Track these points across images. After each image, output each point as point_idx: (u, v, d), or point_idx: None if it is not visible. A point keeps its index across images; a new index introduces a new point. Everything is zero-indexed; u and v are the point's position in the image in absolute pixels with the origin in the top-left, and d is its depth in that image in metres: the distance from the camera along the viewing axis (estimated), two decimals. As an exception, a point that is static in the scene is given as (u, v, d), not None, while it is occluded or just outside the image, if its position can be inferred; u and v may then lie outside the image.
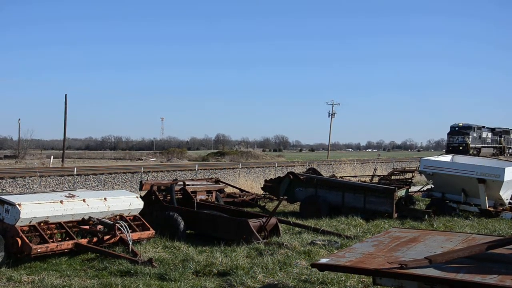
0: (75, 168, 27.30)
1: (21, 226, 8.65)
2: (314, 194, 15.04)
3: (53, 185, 24.03)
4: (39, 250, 8.50)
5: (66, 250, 9.03)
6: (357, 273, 6.36)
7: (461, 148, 58.29)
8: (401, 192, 14.90)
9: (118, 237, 9.53)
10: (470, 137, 60.33)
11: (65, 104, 48.02)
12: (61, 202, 9.32)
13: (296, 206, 16.32)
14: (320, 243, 9.99)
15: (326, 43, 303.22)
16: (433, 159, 16.58)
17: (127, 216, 10.33)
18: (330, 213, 14.28)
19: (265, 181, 17.14)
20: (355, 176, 24.00)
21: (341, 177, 21.02)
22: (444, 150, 76.76)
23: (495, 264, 5.45)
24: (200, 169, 30.80)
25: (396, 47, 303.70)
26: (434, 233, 7.59)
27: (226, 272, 8.05)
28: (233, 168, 32.84)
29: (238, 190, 17.30)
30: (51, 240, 8.88)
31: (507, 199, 14.88)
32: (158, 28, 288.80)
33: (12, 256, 8.63)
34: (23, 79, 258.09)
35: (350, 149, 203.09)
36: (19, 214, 8.57)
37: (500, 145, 68.19)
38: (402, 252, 6.04)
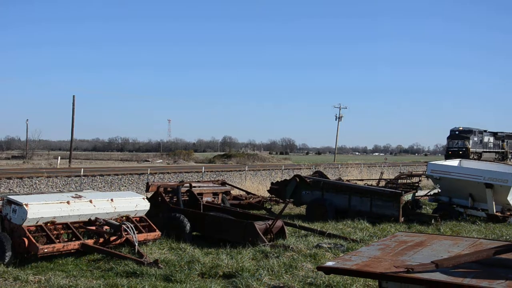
0: (82, 169, 27.42)
1: (28, 226, 8.69)
2: (321, 197, 15.01)
3: (60, 186, 24.13)
4: (45, 250, 8.53)
5: (72, 251, 9.07)
6: (363, 277, 6.33)
7: (460, 152, 56.71)
8: (407, 196, 14.84)
9: (124, 238, 9.56)
10: (471, 141, 59.00)
11: (73, 105, 48.31)
12: (68, 202, 9.35)
13: (302, 209, 16.30)
14: (326, 246, 9.97)
15: (334, 46, 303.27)
16: (440, 163, 16.50)
17: (133, 217, 10.36)
18: (336, 216, 14.25)
19: (272, 183, 17.13)
20: (362, 180, 23.91)
21: (347, 180, 20.95)
22: (442, 155, 75.72)
23: (503, 269, 5.42)
24: (207, 171, 30.83)
25: (403, 51, 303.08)
26: (441, 237, 7.56)
27: (232, 274, 8.05)
28: (239, 171, 32.87)
29: (244, 193, 17.31)
30: (58, 241, 8.91)
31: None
32: (166, 30, 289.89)
33: (19, 256, 8.69)
34: (32, 80, 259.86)
35: (357, 153, 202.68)
36: (26, 214, 8.61)
37: (502, 150, 66.51)
38: (408, 256, 6.02)
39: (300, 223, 12.76)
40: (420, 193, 17.41)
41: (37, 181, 23.96)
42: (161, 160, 70.70)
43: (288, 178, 17.25)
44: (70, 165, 45.62)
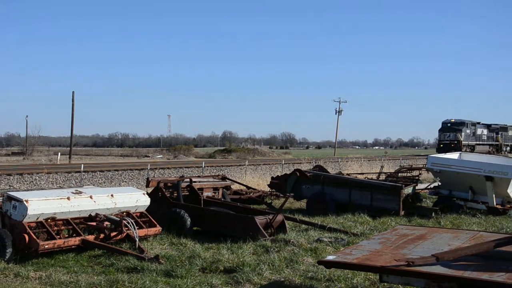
0: (82, 165, 27.40)
1: (28, 222, 8.70)
2: (321, 191, 15.01)
3: (60, 182, 24.13)
4: (46, 246, 8.54)
5: (73, 247, 9.08)
6: (364, 271, 6.35)
7: (452, 145, 55.18)
8: (408, 190, 14.84)
9: (125, 234, 9.56)
10: (463, 133, 57.33)
11: (73, 101, 48.23)
12: (68, 198, 9.35)
13: (302, 203, 16.31)
14: (326, 240, 9.97)
15: (334, 40, 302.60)
16: (441, 156, 16.49)
17: (133, 213, 10.36)
18: (337, 210, 14.26)
19: (272, 178, 17.14)
20: (362, 174, 23.89)
21: (348, 174, 20.95)
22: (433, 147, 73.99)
23: (503, 261, 5.42)
24: (207, 166, 30.81)
25: (403, 44, 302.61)
26: (441, 230, 7.57)
27: (233, 269, 8.06)
28: (239, 165, 32.84)
29: (245, 187, 17.30)
30: (58, 237, 8.92)
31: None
32: (165, 25, 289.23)
33: (20, 252, 8.69)
34: (31, 76, 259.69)
35: (357, 147, 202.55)
36: (27, 210, 8.61)
37: (497, 143, 64.63)
38: (409, 250, 6.02)
39: (301, 217, 12.77)
40: (420, 186, 17.42)
41: (37, 177, 23.94)
42: (161, 156, 70.70)
43: (288, 172, 17.24)
44: (70, 161, 45.59)
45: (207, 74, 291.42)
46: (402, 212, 13.87)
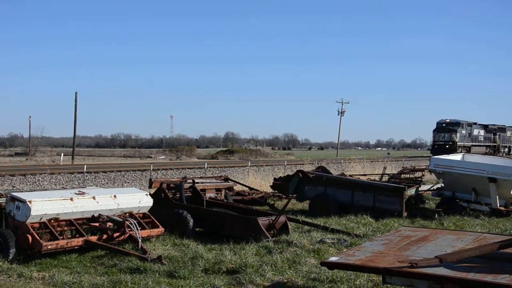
0: (85, 166, 27.41)
1: (31, 223, 8.71)
2: (324, 192, 15.00)
3: (63, 183, 24.16)
4: (49, 247, 8.55)
5: (76, 247, 9.09)
6: (367, 272, 6.34)
7: (447, 146, 53.59)
8: (411, 191, 14.82)
9: (127, 235, 9.56)
10: (458, 134, 55.61)
11: (75, 101, 48.31)
12: (71, 199, 9.36)
13: (305, 205, 16.29)
14: (329, 241, 9.96)
15: (336, 40, 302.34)
16: (444, 157, 16.47)
17: (136, 214, 10.36)
18: (340, 211, 14.24)
19: (274, 179, 17.13)
20: (365, 175, 23.89)
21: (350, 175, 20.93)
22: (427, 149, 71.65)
23: (507, 263, 5.41)
24: (209, 167, 30.82)
25: (406, 45, 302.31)
26: (445, 232, 7.55)
27: (235, 270, 8.05)
28: (242, 166, 32.83)
29: (247, 188, 17.31)
30: (61, 237, 8.94)
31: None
32: (168, 26, 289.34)
33: (23, 253, 8.70)
34: (34, 77, 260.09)
35: (360, 148, 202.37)
36: (30, 211, 8.63)
37: (494, 144, 62.71)
38: (412, 251, 6.01)
39: (303, 218, 12.76)
40: (423, 187, 17.38)
41: (40, 178, 23.97)
42: (163, 156, 70.74)
43: (291, 173, 17.24)
44: (73, 161, 45.63)
45: (209, 75, 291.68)
46: (405, 214, 13.86)
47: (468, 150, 54.61)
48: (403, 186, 14.56)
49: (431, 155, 56.25)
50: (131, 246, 9.49)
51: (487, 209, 14.61)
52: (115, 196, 10.14)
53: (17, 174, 23.81)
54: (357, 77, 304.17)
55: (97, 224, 9.59)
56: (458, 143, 54.94)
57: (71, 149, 53.64)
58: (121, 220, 9.64)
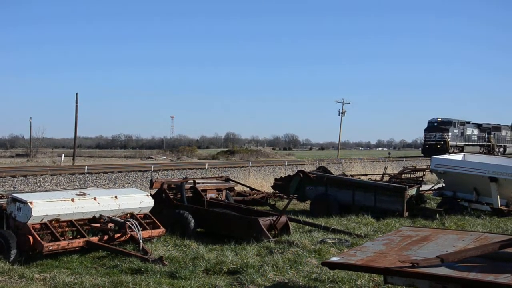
0: (86, 167, 27.42)
1: (33, 224, 8.71)
2: (324, 192, 14.99)
3: (64, 184, 24.16)
4: (50, 248, 8.56)
5: (77, 248, 9.09)
6: (368, 272, 6.34)
7: (438, 146, 52.22)
8: (412, 191, 14.81)
9: (128, 235, 9.57)
10: (450, 133, 54.05)
11: (76, 103, 48.28)
12: (72, 200, 9.37)
13: (306, 205, 16.29)
14: (330, 241, 9.96)
15: (337, 41, 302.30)
16: (444, 157, 16.46)
17: (137, 214, 10.37)
18: (341, 211, 14.24)
19: (275, 179, 17.12)
20: (366, 175, 23.88)
21: (351, 175, 20.93)
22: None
23: (508, 263, 5.41)
24: (210, 168, 30.81)
25: (406, 46, 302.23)
26: (446, 232, 7.55)
27: (237, 270, 8.06)
28: (243, 167, 32.82)
29: (248, 189, 17.30)
30: (63, 238, 8.94)
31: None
32: (168, 26, 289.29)
33: (24, 254, 8.71)
34: (35, 78, 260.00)
35: (360, 148, 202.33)
36: (31, 212, 8.63)
37: (488, 143, 60.89)
38: (413, 251, 6.01)
39: (304, 218, 12.76)
40: (424, 187, 17.38)
41: (41, 179, 23.98)
42: (164, 157, 70.78)
43: (291, 173, 17.23)
44: (74, 162, 45.64)
45: (210, 76, 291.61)
46: (406, 214, 13.85)
47: (460, 149, 53.06)
48: (404, 186, 14.55)
49: (422, 155, 55.60)
50: (132, 246, 9.50)
51: (488, 208, 14.60)
52: (116, 197, 10.14)
53: (18, 175, 23.82)
54: (358, 77, 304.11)
55: (98, 225, 9.59)
56: (450, 143, 53.65)
57: (72, 150, 53.64)
58: (122, 220, 9.65)
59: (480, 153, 53.14)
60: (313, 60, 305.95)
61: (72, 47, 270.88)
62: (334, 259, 5.97)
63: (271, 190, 17.75)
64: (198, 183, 13.01)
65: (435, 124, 55.85)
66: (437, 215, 13.75)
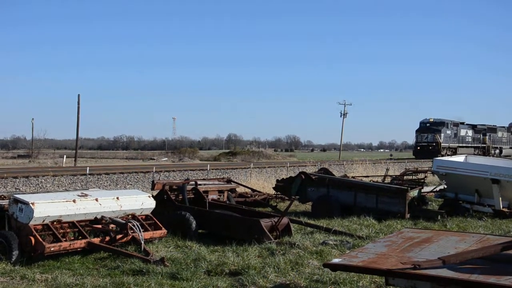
0: (88, 168, 27.46)
1: (34, 225, 8.71)
2: (326, 194, 14.98)
3: (66, 185, 24.19)
4: (52, 249, 8.56)
5: (79, 249, 9.09)
6: (370, 273, 6.33)
7: (430, 148, 51.31)
8: (413, 193, 14.79)
9: (130, 236, 9.57)
10: (442, 134, 52.65)
11: (78, 104, 48.28)
12: (74, 201, 9.37)
13: (307, 206, 16.28)
14: (332, 243, 9.95)
15: (339, 42, 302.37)
16: (446, 159, 16.45)
17: (139, 216, 10.37)
18: (342, 213, 14.22)
19: (277, 181, 17.12)
20: (367, 176, 23.89)
21: (353, 177, 20.94)
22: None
23: (510, 265, 5.39)
24: (212, 169, 30.82)
25: (407, 47, 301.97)
26: (448, 233, 7.54)
27: (238, 271, 8.05)
28: (244, 168, 32.82)
29: (250, 190, 17.30)
30: (64, 239, 8.94)
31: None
32: (170, 27, 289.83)
33: (26, 255, 8.71)
34: (37, 79, 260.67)
35: (362, 149, 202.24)
36: (33, 213, 8.63)
37: (483, 145, 59.34)
38: (415, 253, 6.00)
39: (306, 220, 12.75)
40: (426, 189, 17.37)
41: (43, 180, 24.00)
42: (166, 158, 70.79)
43: (293, 175, 17.22)
44: (75, 163, 45.68)
45: (212, 77, 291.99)
46: (407, 215, 13.83)
47: (453, 151, 52.04)
48: (406, 187, 14.54)
49: (413, 157, 54.54)
50: (133, 248, 9.50)
51: (490, 210, 14.58)
52: (117, 198, 10.15)
53: (20, 176, 23.86)
54: (360, 79, 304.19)
55: (99, 226, 9.60)
56: (442, 144, 52.28)
57: (74, 151, 53.66)
58: (124, 222, 9.64)
59: (475, 155, 52.59)
60: (315, 61, 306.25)
61: (74, 48, 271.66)
62: (336, 260, 5.97)
63: (272, 192, 17.75)
64: (200, 185, 13.01)
65: (427, 124, 54.51)
66: (439, 217, 13.73)
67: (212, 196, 13.15)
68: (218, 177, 23.14)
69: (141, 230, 9.65)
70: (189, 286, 7.32)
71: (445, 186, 15.64)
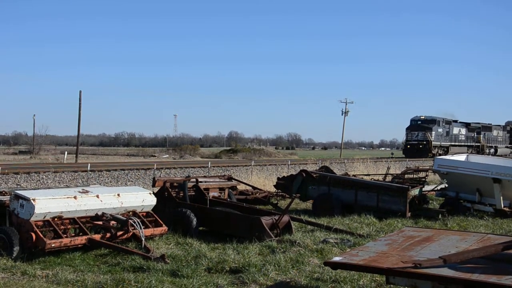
0: (89, 164, 27.48)
1: (35, 221, 8.72)
2: (327, 192, 14.97)
3: (67, 181, 24.20)
4: (53, 245, 8.57)
5: (79, 245, 9.10)
6: (370, 272, 6.33)
7: (421, 146, 49.67)
8: (414, 191, 14.78)
9: (131, 233, 9.58)
10: (433, 133, 50.72)
11: (80, 100, 48.31)
12: (75, 197, 9.38)
13: (308, 204, 16.28)
14: (332, 241, 9.95)
15: (340, 40, 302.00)
16: (447, 158, 16.43)
17: (140, 212, 10.37)
18: (343, 211, 14.22)
19: (278, 178, 17.11)
20: (368, 175, 23.84)
21: (354, 175, 20.91)
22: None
23: (511, 264, 5.39)
24: (213, 166, 30.81)
25: (410, 46, 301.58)
26: (448, 232, 7.53)
27: (239, 269, 8.05)
28: (245, 166, 32.80)
29: (251, 188, 17.29)
30: (65, 235, 8.94)
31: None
32: (172, 25, 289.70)
33: (27, 251, 8.72)
34: (38, 75, 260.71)
35: (363, 148, 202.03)
36: (34, 209, 8.64)
37: (477, 144, 57.23)
38: (416, 252, 6.00)
39: (307, 218, 12.74)
40: (427, 188, 17.34)
41: (44, 176, 24.01)
42: (167, 155, 70.85)
43: (294, 173, 17.21)
44: (77, 160, 45.72)
45: (214, 74, 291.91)
46: (408, 214, 13.82)
47: (445, 150, 50.46)
48: (407, 186, 14.53)
49: (403, 155, 53.09)
50: (134, 244, 9.50)
51: (491, 209, 14.56)
52: (118, 195, 10.15)
53: (21, 172, 23.86)
54: (361, 77, 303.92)
55: (100, 223, 9.60)
56: (433, 143, 50.64)
57: (75, 147, 53.64)
58: (125, 218, 9.65)
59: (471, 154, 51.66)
60: (317, 60, 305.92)
61: (76, 45, 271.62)
62: (336, 259, 5.97)
63: (273, 189, 17.74)
64: (201, 182, 13.00)
65: (418, 122, 52.77)
66: (440, 216, 13.73)
67: (213, 194, 13.15)
68: (219, 174, 23.12)
69: (142, 227, 9.65)
70: (190, 283, 7.32)
71: (446, 185, 15.61)
